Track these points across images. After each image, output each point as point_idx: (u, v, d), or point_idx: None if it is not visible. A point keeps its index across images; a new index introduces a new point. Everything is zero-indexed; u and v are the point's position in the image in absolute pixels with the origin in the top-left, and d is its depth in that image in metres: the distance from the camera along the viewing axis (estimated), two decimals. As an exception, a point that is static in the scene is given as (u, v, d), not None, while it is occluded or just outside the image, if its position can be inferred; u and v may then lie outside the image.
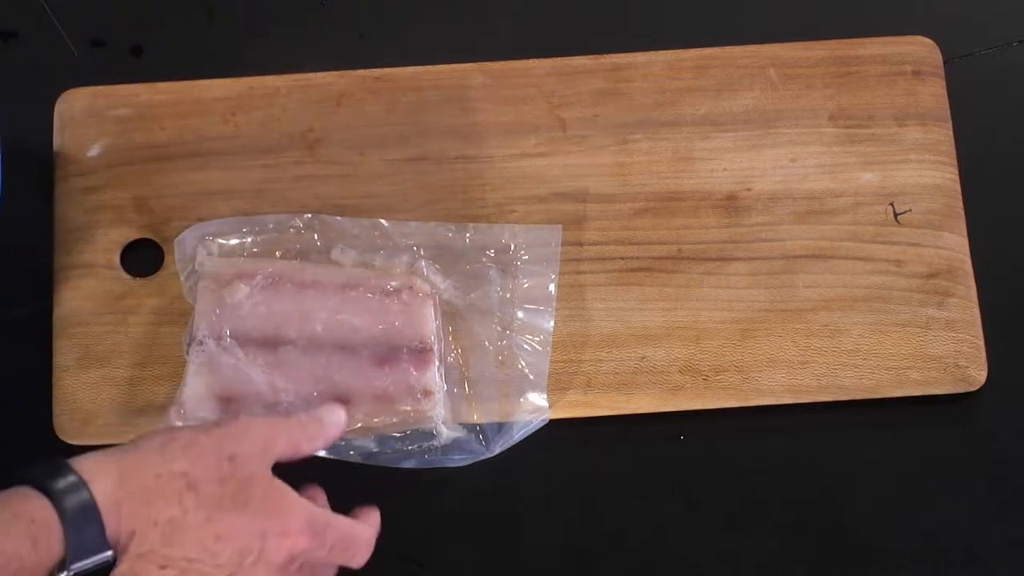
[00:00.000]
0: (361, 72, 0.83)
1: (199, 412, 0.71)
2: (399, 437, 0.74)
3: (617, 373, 0.78)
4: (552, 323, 0.77)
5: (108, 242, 0.81)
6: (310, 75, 0.84)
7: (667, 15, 0.88)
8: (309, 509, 0.64)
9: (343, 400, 0.72)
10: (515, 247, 0.78)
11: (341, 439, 0.72)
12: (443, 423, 0.74)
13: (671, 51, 0.85)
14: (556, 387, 0.78)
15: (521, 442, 0.78)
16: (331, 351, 0.73)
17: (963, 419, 0.79)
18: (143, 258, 0.81)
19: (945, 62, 0.85)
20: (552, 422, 0.78)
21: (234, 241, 0.77)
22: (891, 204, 0.82)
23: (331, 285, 0.75)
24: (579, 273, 0.80)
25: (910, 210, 0.82)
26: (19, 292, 0.76)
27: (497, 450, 0.75)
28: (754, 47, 0.85)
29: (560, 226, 0.79)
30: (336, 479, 0.76)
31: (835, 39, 0.85)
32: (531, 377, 0.76)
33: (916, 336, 0.79)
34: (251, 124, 0.83)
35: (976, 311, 0.80)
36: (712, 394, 0.78)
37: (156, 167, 0.82)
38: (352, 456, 0.74)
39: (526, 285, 0.77)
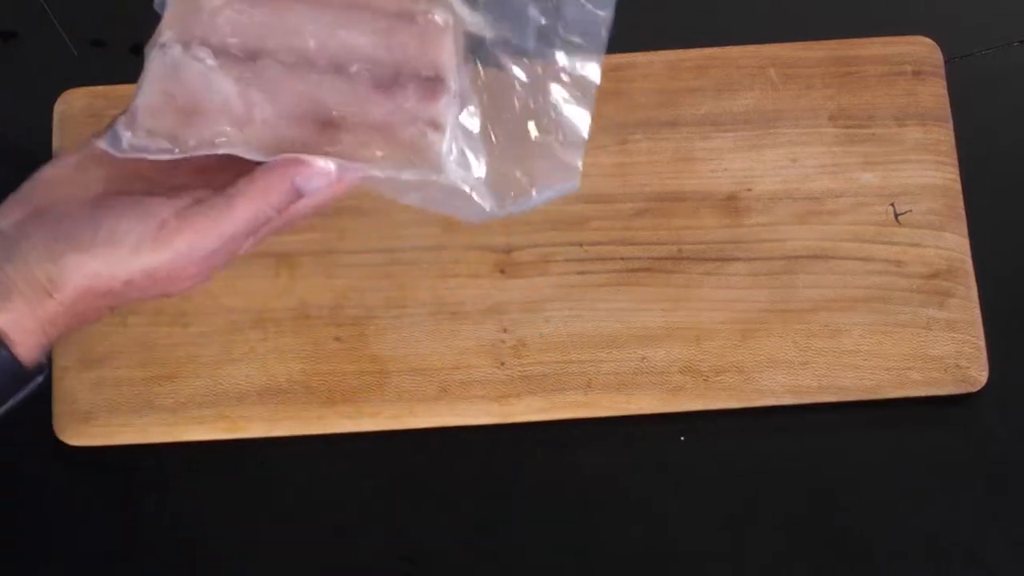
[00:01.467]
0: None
1: (153, 124, 0.58)
2: (395, 166, 0.61)
3: (617, 373, 0.78)
4: (599, 71, 0.64)
5: (108, 242, 0.81)
6: (310, 75, 0.83)
7: (667, 15, 0.88)
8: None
9: (332, 124, 0.59)
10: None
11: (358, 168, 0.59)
12: (447, 164, 0.60)
13: (671, 51, 0.85)
14: (556, 387, 0.78)
15: (521, 442, 0.78)
16: (322, 71, 0.60)
17: (964, 420, 0.79)
18: (143, 258, 0.81)
19: (946, 62, 0.84)
20: (552, 422, 0.78)
21: None
22: (892, 204, 0.82)
23: (329, 1, 0.62)
24: (579, 273, 0.80)
25: (911, 210, 0.82)
26: (19, 292, 0.76)
27: (510, 210, 0.61)
28: (754, 47, 0.85)
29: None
30: (337, 479, 0.77)
31: (835, 39, 0.85)
32: (565, 133, 0.63)
33: (917, 336, 0.79)
34: (251, 124, 0.82)
35: (977, 311, 0.80)
36: (712, 395, 0.78)
37: (156, 167, 0.82)
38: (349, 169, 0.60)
39: (571, 18, 0.63)
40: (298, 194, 0.57)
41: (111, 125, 0.58)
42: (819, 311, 0.80)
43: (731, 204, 0.82)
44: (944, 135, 0.83)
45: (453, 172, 0.60)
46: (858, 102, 0.83)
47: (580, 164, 0.62)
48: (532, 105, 0.63)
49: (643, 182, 0.82)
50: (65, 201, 0.57)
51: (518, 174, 0.62)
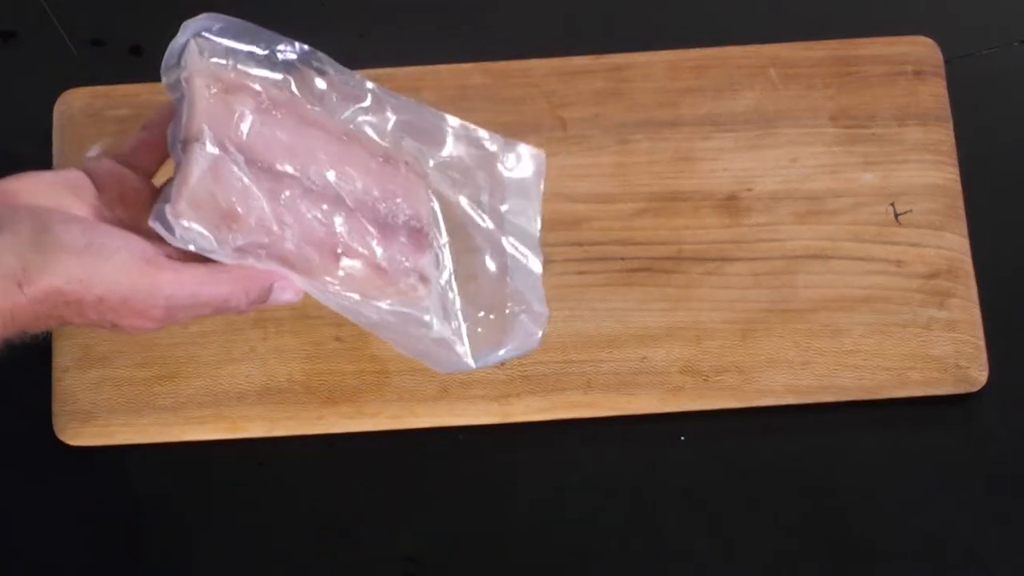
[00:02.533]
0: (361, 72, 0.83)
1: (198, 218, 0.60)
2: (398, 318, 0.65)
3: (617, 373, 0.78)
4: (538, 242, 0.70)
5: (108, 242, 0.81)
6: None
7: (667, 15, 0.88)
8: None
9: (344, 257, 0.63)
10: (500, 159, 0.70)
11: (346, 298, 0.64)
12: (435, 317, 0.66)
13: (671, 51, 0.85)
14: (556, 387, 0.78)
15: (521, 442, 0.78)
16: (333, 203, 0.64)
17: (964, 419, 0.79)
18: (143, 258, 0.81)
19: (946, 62, 0.85)
20: (552, 422, 0.78)
21: (227, 45, 0.66)
22: (892, 204, 0.82)
23: (333, 131, 0.66)
24: (579, 273, 0.80)
25: (911, 210, 0.82)
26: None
27: (479, 366, 0.66)
28: (754, 47, 0.85)
29: (543, 153, 0.71)
30: (337, 479, 0.77)
31: (835, 39, 0.85)
32: (527, 299, 0.68)
33: (917, 336, 0.79)
34: (251, 124, 0.82)
35: (977, 311, 0.80)
36: (713, 395, 0.78)
37: (156, 167, 0.82)
38: (359, 317, 0.65)
39: (511, 203, 0.70)
40: (269, 301, 0.61)
41: (159, 207, 0.59)
42: (819, 311, 0.80)
43: (731, 204, 0.82)
44: (944, 135, 0.83)
45: (439, 323, 0.66)
46: (858, 102, 0.83)
47: (541, 328, 0.68)
48: (493, 269, 0.69)
49: (643, 182, 0.82)
50: (48, 210, 0.58)
51: (483, 331, 0.67)
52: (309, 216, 0.63)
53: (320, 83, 0.67)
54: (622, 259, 0.81)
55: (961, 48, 0.86)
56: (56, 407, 0.78)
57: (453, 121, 0.70)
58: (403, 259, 0.65)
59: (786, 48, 0.84)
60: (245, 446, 0.78)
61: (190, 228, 0.59)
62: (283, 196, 0.62)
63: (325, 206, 0.64)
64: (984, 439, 0.80)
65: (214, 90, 0.63)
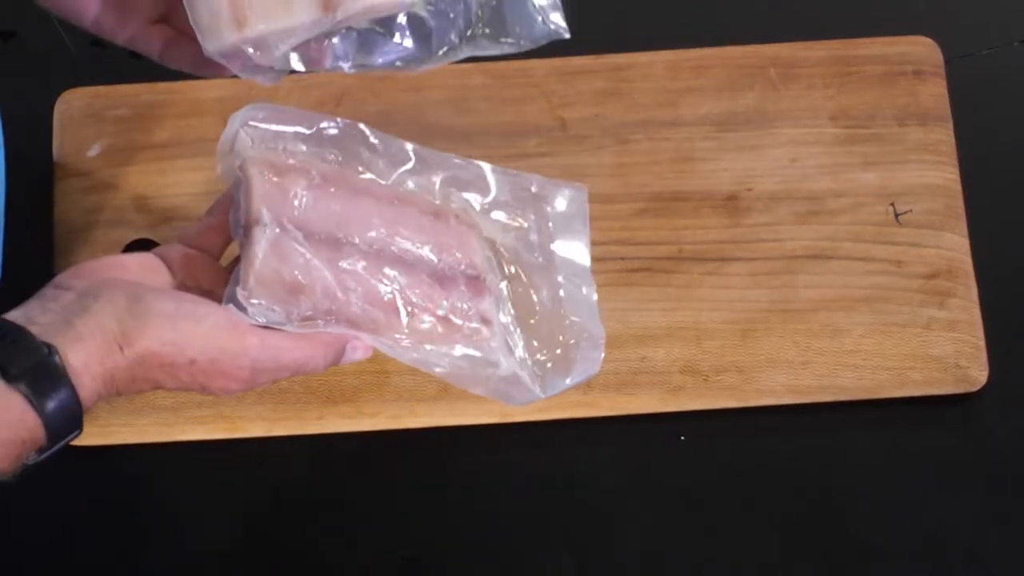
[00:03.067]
0: (361, 72, 0.83)
1: (266, 295, 0.64)
2: (467, 361, 0.69)
3: (617, 373, 0.78)
4: (591, 280, 0.72)
5: (108, 242, 0.81)
6: (310, 75, 0.83)
7: (667, 15, 0.88)
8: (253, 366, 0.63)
9: (410, 313, 0.67)
10: (544, 199, 0.73)
11: (416, 350, 0.68)
12: (502, 355, 0.69)
13: (671, 51, 0.85)
14: (556, 387, 0.78)
15: (521, 442, 0.78)
16: (391, 263, 0.68)
17: (964, 419, 0.79)
18: (143, 258, 0.81)
19: (946, 62, 0.85)
20: (552, 422, 0.78)
21: (277, 130, 0.70)
22: (892, 204, 0.82)
23: (384, 196, 0.70)
24: (579, 273, 0.80)
25: (911, 210, 0.82)
26: (19, 292, 0.76)
27: (547, 395, 0.69)
28: (754, 47, 0.85)
29: (584, 187, 0.73)
30: (337, 479, 0.77)
31: (835, 39, 0.85)
32: (585, 331, 0.71)
33: (917, 336, 0.79)
34: (251, 124, 0.82)
35: (977, 311, 0.80)
36: (712, 394, 0.78)
37: (156, 167, 0.82)
38: (432, 367, 0.68)
39: (560, 240, 0.73)
40: (343, 361, 0.65)
41: (231, 289, 0.64)
42: (819, 311, 0.80)
43: (731, 204, 0.82)
44: (944, 135, 0.83)
45: (506, 361, 0.68)
46: (858, 102, 0.83)
47: (601, 351, 0.70)
48: (550, 304, 0.71)
49: (643, 182, 0.82)
50: (137, 282, 0.62)
51: (548, 362, 0.70)
52: (371, 279, 0.67)
53: (365, 152, 0.71)
54: (622, 259, 0.81)
55: (961, 48, 0.86)
56: (56, 407, 0.78)
57: (494, 169, 0.73)
58: (464, 306, 0.69)
59: (786, 48, 0.84)
60: (245, 446, 0.78)
61: (260, 306, 0.63)
62: (344, 263, 0.67)
63: (385, 268, 0.68)
64: (984, 439, 0.80)
65: (267, 175, 0.67)
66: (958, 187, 0.82)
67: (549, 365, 0.71)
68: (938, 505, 0.78)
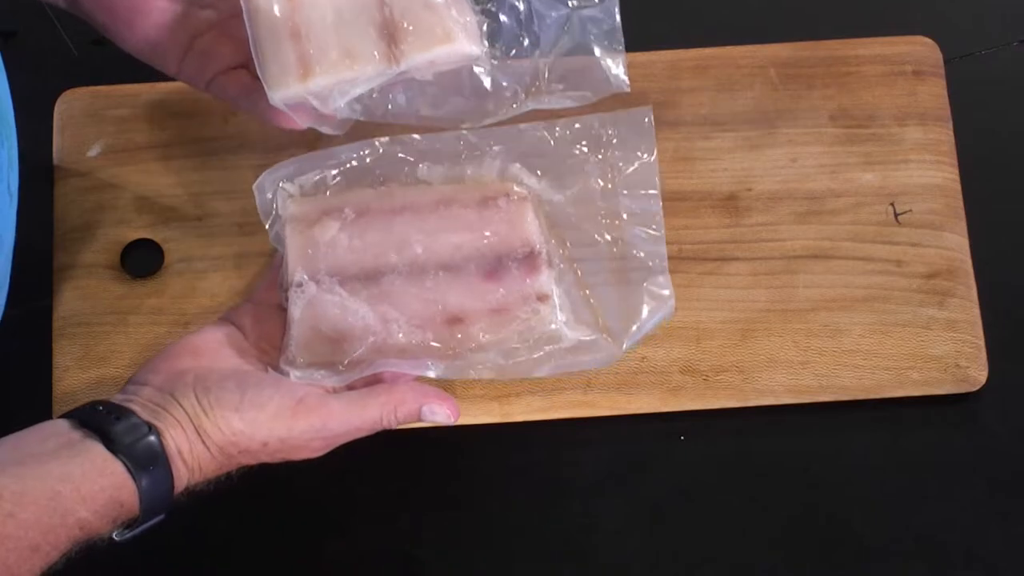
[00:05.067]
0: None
1: (309, 357, 0.68)
2: (525, 347, 0.70)
3: (617, 373, 0.78)
4: (660, 205, 0.73)
5: (108, 242, 0.81)
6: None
7: (667, 15, 0.88)
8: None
9: (458, 320, 0.69)
10: (607, 136, 0.74)
11: (463, 358, 0.70)
12: (565, 325, 0.71)
13: (671, 51, 0.85)
14: (556, 387, 0.78)
15: (521, 442, 0.78)
16: (436, 272, 0.70)
17: (963, 419, 0.80)
18: (143, 258, 0.81)
19: (945, 62, 0.85)
20: (552, 422, 0.78)
21: (315, 178, 0.73)
22: (891, 204, 0.82)
23: (424, 206, 0.72)
24: (579, 273, 0.80)
25: (910, 210, 0.82)
26: (19, 292, 0.76)
27: (626, 347, 0.70)
28: (754, 47, 0.85)
29: (650, 107, 0.74)
30: (337, 478, 0.76)
31: (835, 39, 0.85)
32: (650, 264, 0.72)
33: (916, 336, 0.79)
34: (251, 124, 0.83)
35: (976, 311, 0.80)
36: (712, 394, 0.78)
37: (156, 167, 0.82)
38: (481, 371, 0.70)
39: (628, 171, 0.74)
40: (419, 419, 0.67)
41: (279, 360, 0.68)
42: (819, 311, 0.80)
43: (731, 204, 0.82)
44: (944, 135, 0.83)
45: (569, 331, 0.70)
46: (858, 102, 0.83)
47: (670, 290, 0.71)
48: (615, 250, 0.72)
49: (643, 182, 0.82)
50: (208, 368, 0.65)
51: (617, 312, 0.71)
52: (413, 301, 0.69)
53: (409, 160, 0.73)
54: (622, 259, 0.80)
55: (961, 48, 0.86)
56: (56, 407, 0.78)
57: (558, 124, 0.74)
58: (519, 288, 0.70)
59: (786, 48, 0.84)
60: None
61: (303, 373, 0.66)
62: (383, 295, 0.69)
63: (428, 282, 0.69)
64: (984, 439, 0.80)
65: (301, 230, 0.70)
66: (958, 187, 0.82)
67: (621, 315, 0.71)
68: (938, 505, 0.78)
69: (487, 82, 0.71)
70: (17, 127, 0.74)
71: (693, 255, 0.81)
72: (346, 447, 0.77)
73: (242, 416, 0.63)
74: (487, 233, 0.71)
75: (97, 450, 0.60)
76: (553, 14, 0.71)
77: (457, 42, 0.69)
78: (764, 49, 0.84)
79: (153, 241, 0.81)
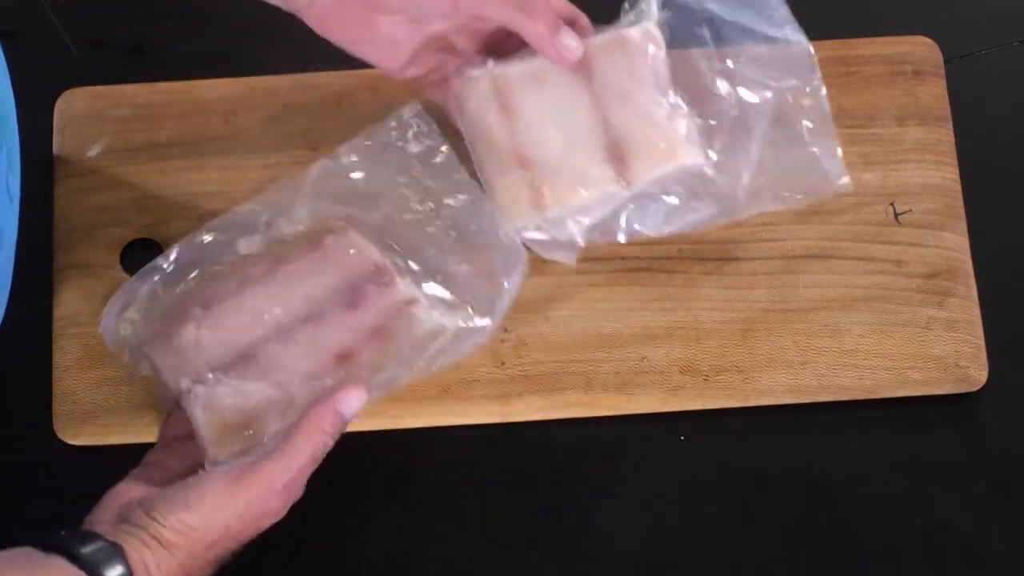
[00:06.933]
0: (361, 72, 0.83)
1: (228, 450, 0.68)
2: (417, 351, 0.72)
3: (617, 373, 0.78)
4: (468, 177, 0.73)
5: (108, 242, 0.81)
6: (310, 75, 0.84)
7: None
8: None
9: (346, 356, 0.70)
10: (398, 143, 0.75)
11: (368, 385, 0.70)
12: (441, 317, 0.71)
13: (670, 51, 0.84)
14: (556, 387, 0.78)
15: (521, 442, 0.78)
16: (301, 328, 0.70)
17: (963, 419, 0.79)
18: (143, 258, 0.81)
19: (946, 62, 0.85)
20: (552, 422, 0.78)
21: (148, 297, 0.74)
22: (891, 204, 0.82)
23: (259, 274, 0.72)
24: (579, 273, 0.80)
25: (910, 210, 0.82)
26: (19, 292, 0.76)
27: (497, 320, 0.72)
28: (754, 47, 0.84)
29: (418, 104, 0.74)
30: (338, 478, 0.76)
31: (835, 39, 0.85)
32: (484, 231, 0.73)
33: (916, 336, 0.79)
34: (251, 124, 0.83)
35: (976, 311, 0.80)
36: (712, 394, 0.78)
37: (156, 167, 0.82)
38: (384, 392, 0.71)
39: (433, 161, 0.74)
40: (344, 419, 0.67)
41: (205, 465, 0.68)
42: (819, 311, 0.80)
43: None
44: (944, 135, 0.83)
45: (449, 320, 0.71)
46: (858, 102, 0.83)
47: (519, 241, 0.72)
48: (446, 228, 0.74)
49: (643, 182, 0.82)
50: (148, 493, 0.66)
51: (480, 290, 0.72)
52: (298, 359, 0.69)
53: (231, 244, 0.73)
54: (622, 258, 0.81)
55: (961, 48, 0.86)
56: (56, 407, 0.78)
57: (334, 157, 0.74)
58: (385, 304, 0.70)
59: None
60: (245, 446, 0.78)
61: (230, 461, 0.67)
62: (267, 367, 0.69)
63: (298, 336, 0.70)
64: (984, 439, 0.80)
65: (164, 346, 0.70)
66: (958, 187, 0.82)
67: (481, 290, 0.72)
68: (938, 505, 0.78)
69: (708, 185, 0.73)
70: (17, 127, 0.74)
71: (693, 255, 0.81)
72: (345, 447, 0.78)
73: (192, 512, 0.63)
74: (329, 272, 0.71)
75: (63, 564, 0.60)
76: (757, 99, 0.73)
77: (683, 156, 0.71)
78: (764, 49, 0.84)
79: (153, 241, 0.81)
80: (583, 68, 0.71)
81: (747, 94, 0.74)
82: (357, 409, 0.68)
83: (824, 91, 0.73)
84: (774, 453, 0.79)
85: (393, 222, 0.74)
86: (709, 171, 0.74)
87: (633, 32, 0.72)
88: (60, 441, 0.78)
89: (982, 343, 0.79)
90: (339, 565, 0.77)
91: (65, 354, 0.79)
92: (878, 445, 0.79)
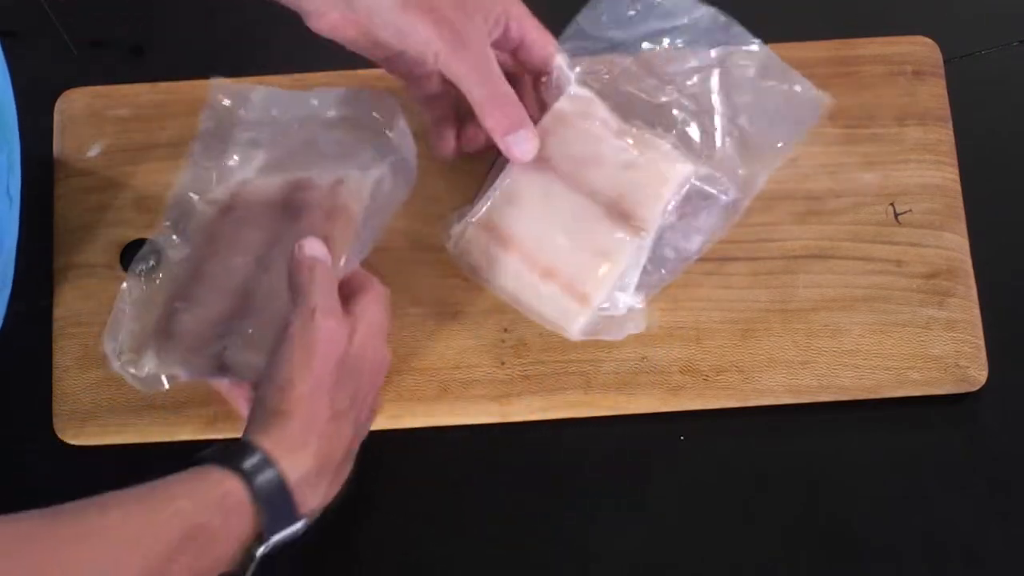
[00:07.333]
0: (361, 72, 0.83)
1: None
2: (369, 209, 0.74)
3: (617, 373, 0.78)
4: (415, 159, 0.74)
5: (108, 242, 0.81)
6: (310, 75, 0.84)
7: (667, 15, 0.88)
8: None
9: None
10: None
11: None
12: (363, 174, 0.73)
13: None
14: (556, 387, 0.78)
15: (521, 442, 0.78)
16: (270, 252, 0.72)
17: (963, 419, 0.79)
18: (143, 258, 0.81)
19: (945, 62, 0.85)
20: (552, 422, 0.78)
21: (133, 334, 0.74)
22: (891, 204, 0.82)
23: (210, 255, 0.74)
24: (579, 273, 0.80)
25: (910, 210, 0.82)
26: (19, 292, 0.76)
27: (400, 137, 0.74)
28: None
29: (395, 97, 0.76)
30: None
31: (835, 39, 0.85)
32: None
33: (916, 336, 0.79)
34: (251, 124, 0.83)
35: (976, 311, 0.80)
36: (712, 394, 0.78)
37: (156, 167, 0.82)
38: (367, 250, 0.74)
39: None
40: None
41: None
42: (819, 311, 0.80)
43: (731, 204, 0.82)
44: (944, 135, 0.83)
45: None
46: (858, 102, 0.83)
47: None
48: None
49: (643, 182, 0.82)
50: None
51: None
52: (281, 277, 0.68)
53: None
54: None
55: (961, 48, 0.86)
56: (56, 407, 0.78)
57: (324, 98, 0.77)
58: (316, 198, 0.71)
59: (786, 48, 0.84)
60: (245, 446, 0.78)
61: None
62: (262, 293, 0.70)
63: (273, 265, 0.70)
64: (984, 439, 0.80)
65: (168, 344, 0.72)
66: (958, 187, 0.82)
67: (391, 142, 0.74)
68: (938, 505, 0.78)
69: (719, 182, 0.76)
70: (18, 127, 0.75)
71: (693, 255, 0.81)
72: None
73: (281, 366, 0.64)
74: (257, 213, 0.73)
75: (213, 472, 0.61)
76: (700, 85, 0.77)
77: (672, 174, 0.73)
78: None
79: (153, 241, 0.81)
80: (540, 161, 0.73)
81: (691, 85, 0.76)
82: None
83: (757, 41, 0.78)
84: (774, 453, 0.79)
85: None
86: (705, 170, 0.75)
87: (563, 104, 0.74)
88: (60, 441, 0.78)
89: (982, 343, 0.79)
90: (339, 565, 0.77)
91: (65, 354, 0.79)
92: (878, 445, 0.79)
